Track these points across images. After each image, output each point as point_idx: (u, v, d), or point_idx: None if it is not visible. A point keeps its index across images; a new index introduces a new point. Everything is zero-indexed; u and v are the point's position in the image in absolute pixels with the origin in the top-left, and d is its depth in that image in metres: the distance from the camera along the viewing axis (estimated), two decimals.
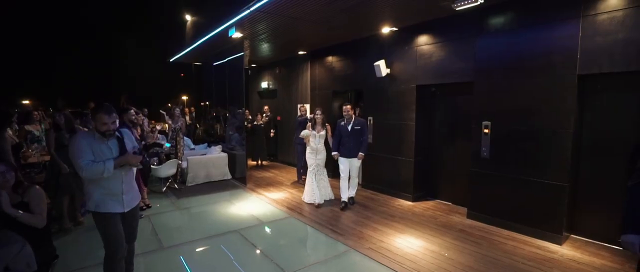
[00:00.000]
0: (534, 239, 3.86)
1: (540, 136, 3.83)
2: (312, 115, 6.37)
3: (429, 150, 5.54)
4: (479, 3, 3.88)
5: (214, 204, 5.47)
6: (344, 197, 5.10)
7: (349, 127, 4.92)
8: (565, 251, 3.56)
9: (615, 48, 3.26)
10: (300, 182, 6.88)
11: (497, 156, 4.24)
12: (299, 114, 7.02)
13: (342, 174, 5.06)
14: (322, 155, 5.27)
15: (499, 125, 4.21)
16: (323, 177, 5.37)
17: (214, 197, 5.83)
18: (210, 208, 5.26)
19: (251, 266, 3.35)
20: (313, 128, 5.25)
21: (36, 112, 6.15)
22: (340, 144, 5.00)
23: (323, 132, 5.22)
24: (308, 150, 5.32)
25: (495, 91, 4.21)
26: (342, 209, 5.00)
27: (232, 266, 3.34)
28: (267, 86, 9.67)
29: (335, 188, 5.46)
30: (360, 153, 4.91)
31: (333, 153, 5.05)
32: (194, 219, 4.82)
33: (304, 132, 5.33)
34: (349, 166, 5.02)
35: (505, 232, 4.09)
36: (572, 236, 3.91)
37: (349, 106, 4.96)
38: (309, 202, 5.30)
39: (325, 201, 5.33)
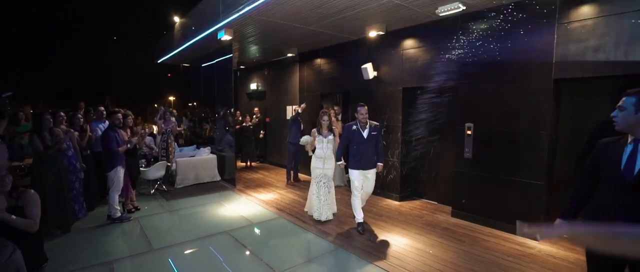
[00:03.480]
0: (514, 235, 4.03)
1: (519, 138, 4.01)
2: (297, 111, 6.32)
3: (415, 151, 5.69)
4: (461, 10, 4.04)
5: (203, 205, 5.48)
6: (360, 218, 4.19)
7: (365, 133, 4.04)
8: (542, 246, 3.73)
9: (587, 54, 3.46)
10: (289, 183, 6.93)
11: (480, 156, 4.41)
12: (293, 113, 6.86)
13: (355, 192, 4.12)
14: (331, 164, 4.56)
15: (481, 127, 4.38)
16: (330, 190, 4.59)
17: (203, 199, 5.83)
18: (200, 210, 5.26)
19: (241, 266, 3.40)
20: (319, 133, 4.60)
21: (21, 112, 5.94)
22: (352, 153, 4.13)
23: (331, 137, 4.56)
24: (314, 157, 4.66)
25: (477, 94, 4.38)
26: (361, 232, 4.12)
27: (221, 267, 3.37)
28: (256, 88, 9.70)
29: (340, 203, 4.96)
30: (379, 164, 4.17)
31: (339, 162, 4.37)
32: (183, 221, 4.82)
33: (304, 139, 4.84)
34: (363, 179, 4.17)
35: (487, 229, 4.26)
36: None
37: (365, 107, 4.07)
38: (309, 213, 4.76)
39: (329, 218, 4.57)
